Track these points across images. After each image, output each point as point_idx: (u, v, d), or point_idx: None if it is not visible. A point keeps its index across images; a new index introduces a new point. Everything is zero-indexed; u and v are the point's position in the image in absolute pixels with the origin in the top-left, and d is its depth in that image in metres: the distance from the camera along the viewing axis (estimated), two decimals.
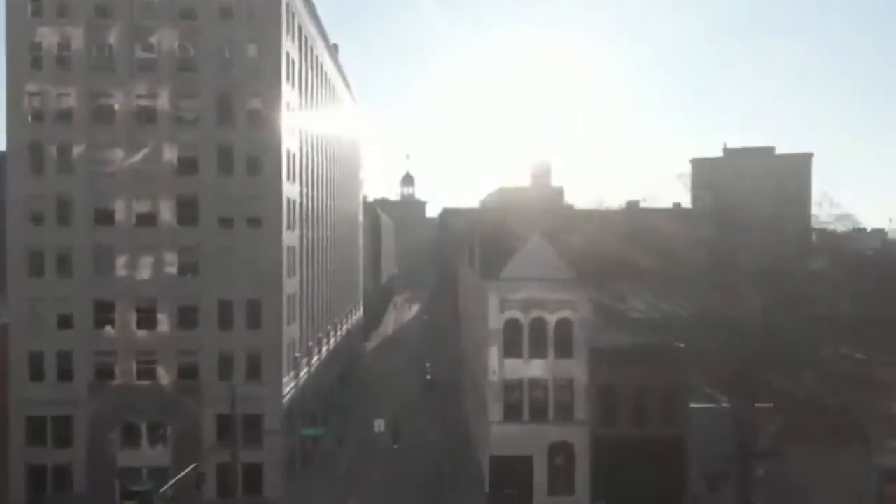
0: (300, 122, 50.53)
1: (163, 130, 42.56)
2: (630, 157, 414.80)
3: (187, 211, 42.72)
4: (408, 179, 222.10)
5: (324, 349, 59.99)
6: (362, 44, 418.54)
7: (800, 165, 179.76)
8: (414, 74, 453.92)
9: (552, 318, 42.37)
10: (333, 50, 70.71)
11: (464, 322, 67.91)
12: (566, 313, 42.46)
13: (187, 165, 42.83)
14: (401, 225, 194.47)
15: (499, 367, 42.33)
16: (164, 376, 42.55)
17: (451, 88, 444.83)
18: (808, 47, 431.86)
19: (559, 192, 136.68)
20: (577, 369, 42.09)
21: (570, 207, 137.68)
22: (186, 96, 42.86)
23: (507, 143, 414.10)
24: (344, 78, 77.43)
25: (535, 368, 42.19)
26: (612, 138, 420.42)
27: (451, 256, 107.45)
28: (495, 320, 42.63)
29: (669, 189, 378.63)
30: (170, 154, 42.62)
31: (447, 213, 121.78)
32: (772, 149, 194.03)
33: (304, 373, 50.80)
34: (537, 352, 42.27)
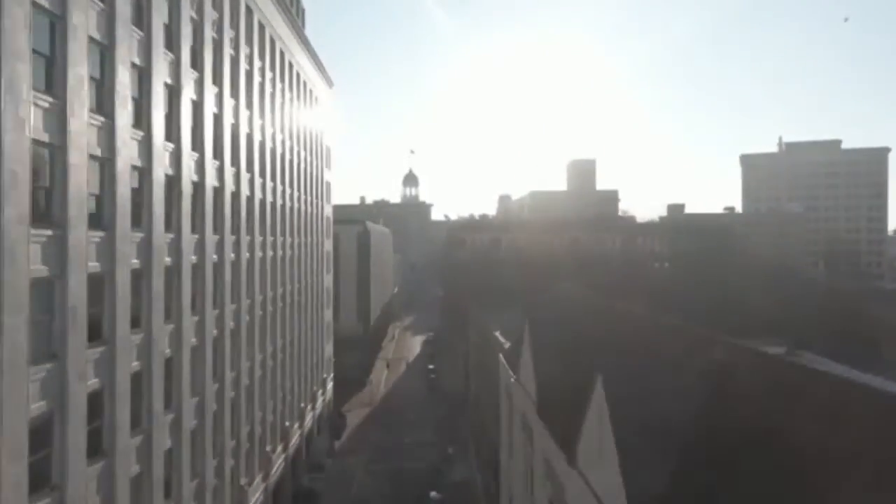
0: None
1: None
2: (636, 158, 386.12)
3: None
4: (411, 179, 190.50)
5: None
6: (363, 43, 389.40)
7: (874, 161, 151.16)
8: (417, 74, 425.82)
9: None
10: None
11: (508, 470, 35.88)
12: None
13: None
14: (403, 230, 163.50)
15: None
16: None
17: (455, 90, 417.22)
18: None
19: (613, 198, 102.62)
20: None
21: (632, 219, 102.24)
22: None
23: (513, 146, 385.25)
24: (293, 23, 45.94)
25: None
26: (619, 139, 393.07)
27: (467, 294, 75.20)
28: None
29: (698, 190, 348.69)
30: None
31: (464, 228, 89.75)
32: (838, 142, 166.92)
33: None
34: None
